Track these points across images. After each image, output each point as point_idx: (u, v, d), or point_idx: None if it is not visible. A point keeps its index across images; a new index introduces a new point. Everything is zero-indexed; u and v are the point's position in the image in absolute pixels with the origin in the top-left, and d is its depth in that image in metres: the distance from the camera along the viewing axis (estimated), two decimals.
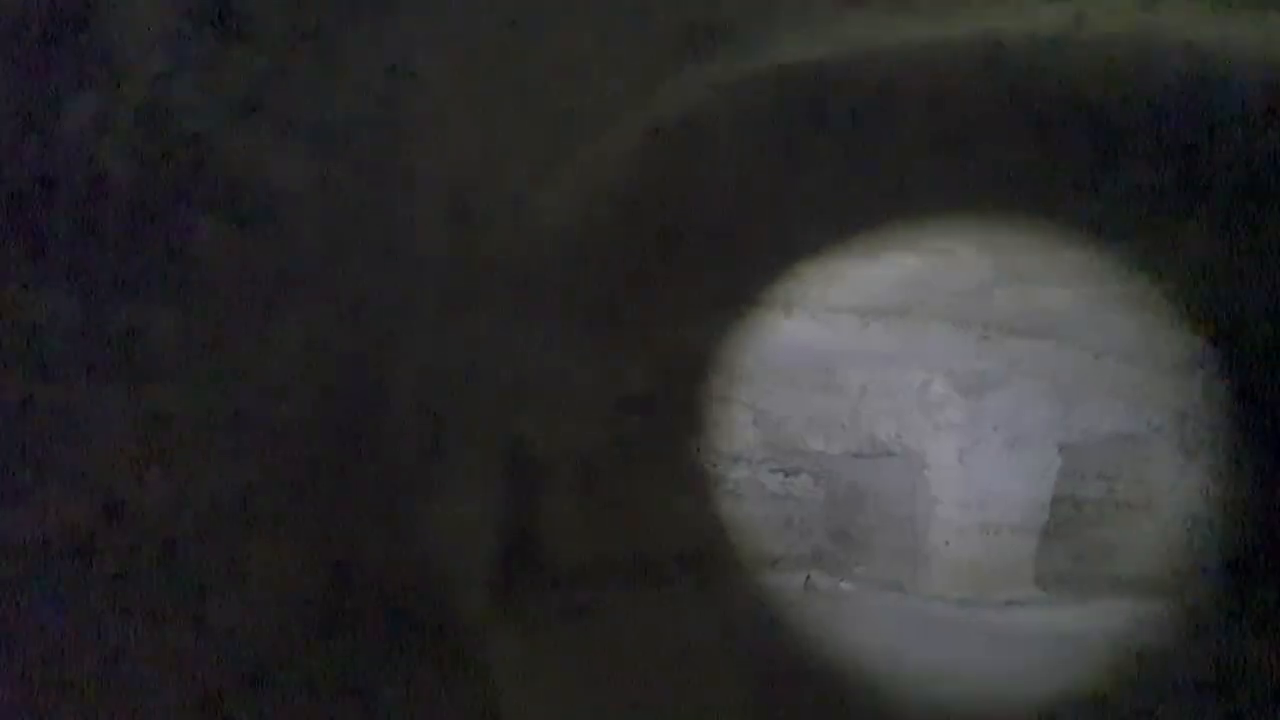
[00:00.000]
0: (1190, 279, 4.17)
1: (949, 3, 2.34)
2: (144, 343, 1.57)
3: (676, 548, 5.14)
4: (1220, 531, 6.39)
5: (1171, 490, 6.27)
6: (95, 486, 1.48)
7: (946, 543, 5.72)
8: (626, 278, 3.94)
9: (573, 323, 3.90)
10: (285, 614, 2.02)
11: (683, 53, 2.45)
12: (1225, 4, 2.24)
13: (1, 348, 1.30)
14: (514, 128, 2.65)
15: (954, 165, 3.38)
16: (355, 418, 2.28)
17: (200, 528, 1.72)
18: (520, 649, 3.62)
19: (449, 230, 2.62)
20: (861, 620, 5.19)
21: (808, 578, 5.69)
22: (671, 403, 5.03)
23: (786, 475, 6.44)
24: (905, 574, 5.80)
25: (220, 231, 1.73)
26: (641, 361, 4.62)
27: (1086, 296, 4.92)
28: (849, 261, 4.61)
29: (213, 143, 1.66)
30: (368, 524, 2.44)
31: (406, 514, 2.61)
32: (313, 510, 2.15)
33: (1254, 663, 4.66)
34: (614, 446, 4.66)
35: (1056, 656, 4.89)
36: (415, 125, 2.29)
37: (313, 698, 2.10)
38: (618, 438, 4.65)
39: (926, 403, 5.63)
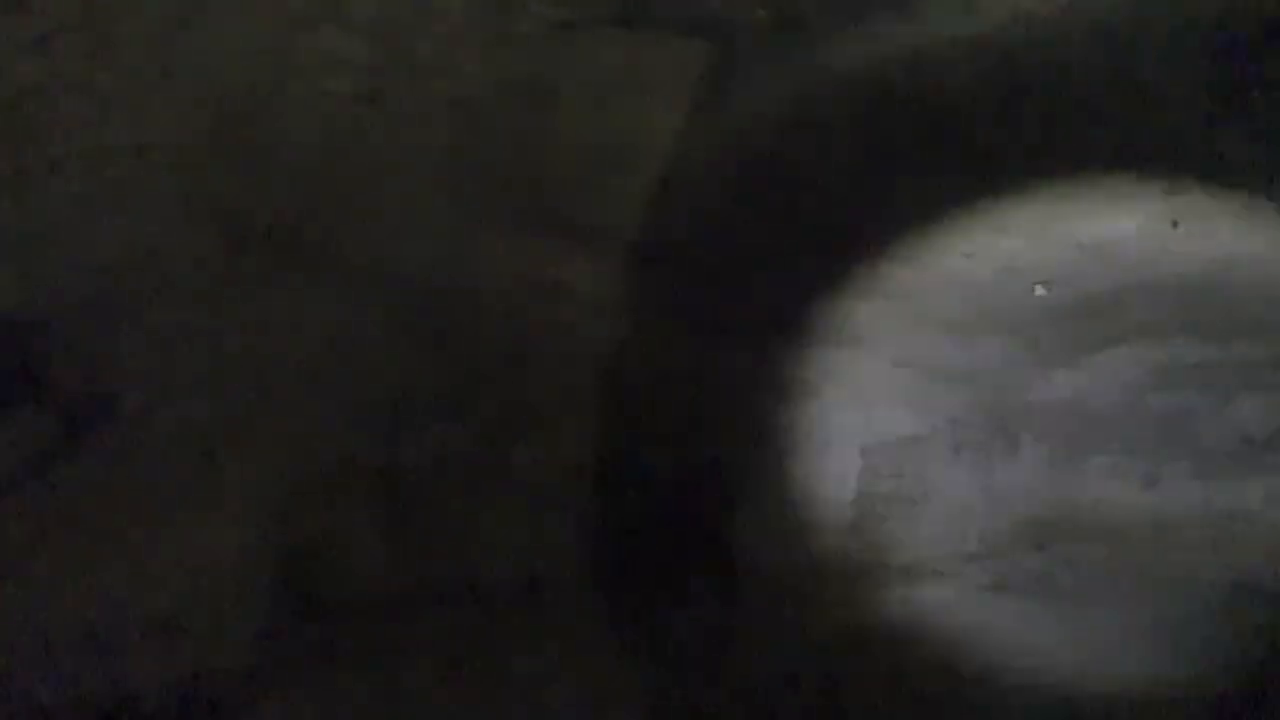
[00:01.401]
0: None
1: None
2: None
3: (506, 571, 4.75)
4: (982, 520, 7.30)
5: (944, 485, 7.09)
6: None
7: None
8: None
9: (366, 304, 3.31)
10: None
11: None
12: None
13: None
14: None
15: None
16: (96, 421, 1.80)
17: None
18: (300, 699, 3.05)
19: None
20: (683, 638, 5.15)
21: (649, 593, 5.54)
22: (494, 411, 4.62)
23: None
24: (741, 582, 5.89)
25: None
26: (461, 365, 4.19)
27: (893, 311, 5.31)
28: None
29: None
30: (115, 552, 1.95)
31: (166, 540, 2.08)
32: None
33: (1023, 639, 5.27)
34: (431, 458, 4.17)
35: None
36: None
37: None
38: (435, 448, 4.17)
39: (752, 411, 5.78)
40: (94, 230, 2.18)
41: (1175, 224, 3.91)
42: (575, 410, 6.07)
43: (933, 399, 6.54)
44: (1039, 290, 5.67)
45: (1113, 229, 4.21)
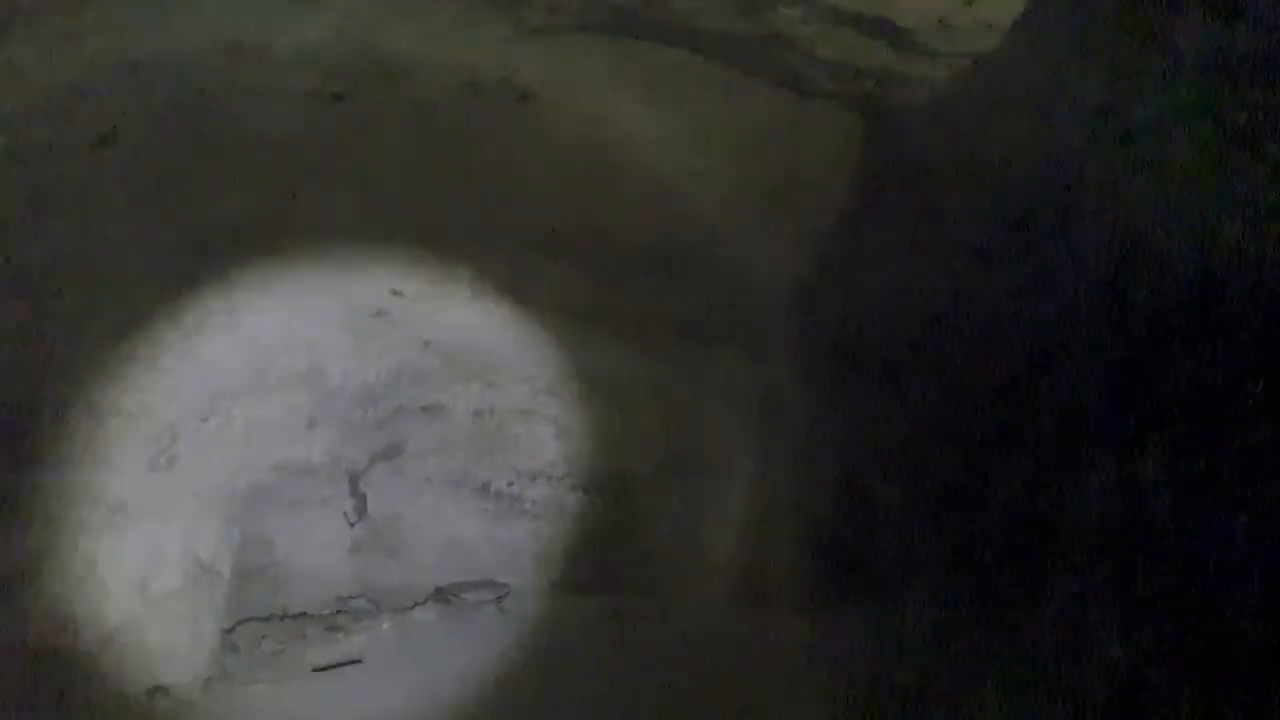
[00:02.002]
0: None
1: None
2: None
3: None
4: None
5: None
6: None
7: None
8: None
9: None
10: None
11: None
12: None
13: None
14: None
15: None
16: None
17: None
18: (262, 707, 2.98)
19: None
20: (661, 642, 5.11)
21: (606, 599, 5.51)
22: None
23: (587, 493, 6.23)
24: (697, 588, 5.86)
25: None
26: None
27: None
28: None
29: None
30: (63, 564, 1.88)
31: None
32: None
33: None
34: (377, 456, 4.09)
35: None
36: None
37: None
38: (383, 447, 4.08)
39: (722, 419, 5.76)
40: (49, 226, 2.12)
41: None
42: (551, 420, 6.02)
43: None
44: None
45: None
